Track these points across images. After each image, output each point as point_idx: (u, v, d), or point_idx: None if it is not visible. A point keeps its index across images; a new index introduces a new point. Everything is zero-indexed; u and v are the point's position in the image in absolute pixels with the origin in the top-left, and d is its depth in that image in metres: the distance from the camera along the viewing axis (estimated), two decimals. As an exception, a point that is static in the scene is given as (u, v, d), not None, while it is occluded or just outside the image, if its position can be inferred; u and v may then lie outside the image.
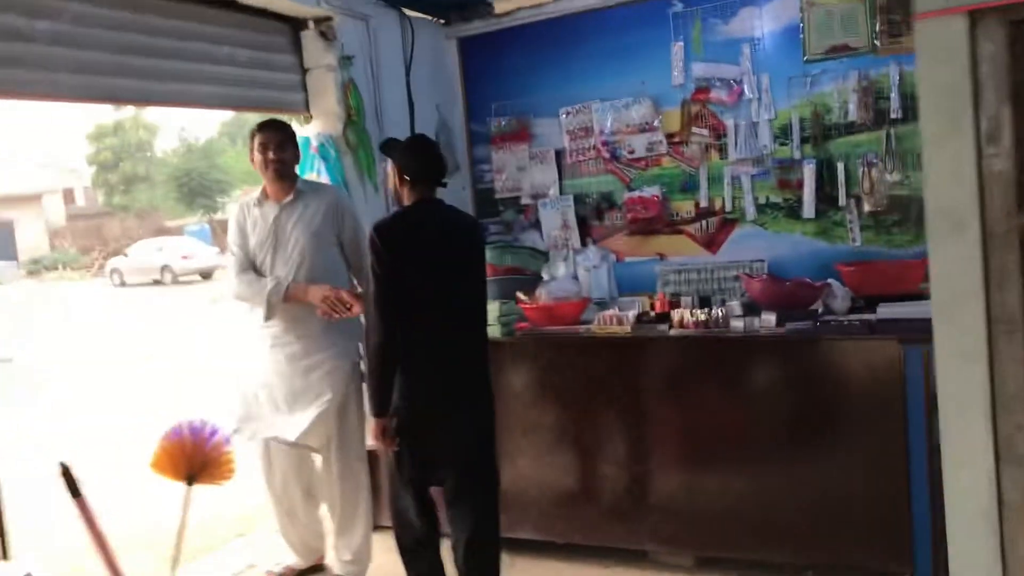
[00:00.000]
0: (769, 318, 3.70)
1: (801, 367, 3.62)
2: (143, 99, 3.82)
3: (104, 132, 39.86)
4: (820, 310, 3.84)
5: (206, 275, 28.19)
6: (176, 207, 39.47)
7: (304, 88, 4.79)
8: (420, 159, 3.37)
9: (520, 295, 4.33)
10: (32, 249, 35.37)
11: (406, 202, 3.37)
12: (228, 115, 32.39)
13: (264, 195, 3.86)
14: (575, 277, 5.20)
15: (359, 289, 3.96)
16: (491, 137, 5.86)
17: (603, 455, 4.00)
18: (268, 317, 3.84)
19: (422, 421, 3.25)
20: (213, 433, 3.00)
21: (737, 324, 3.77)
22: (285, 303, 3.78)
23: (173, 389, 10.40)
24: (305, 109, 4.80)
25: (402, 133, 5.11)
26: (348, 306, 3.76)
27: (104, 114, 39.32)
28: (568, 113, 5.59)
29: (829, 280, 3.94)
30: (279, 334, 3.84)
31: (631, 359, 3.95)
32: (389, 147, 3.62)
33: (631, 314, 4.14)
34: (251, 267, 3.89)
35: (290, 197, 3.81)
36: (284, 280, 3.80)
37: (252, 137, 3.80)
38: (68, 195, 43.26)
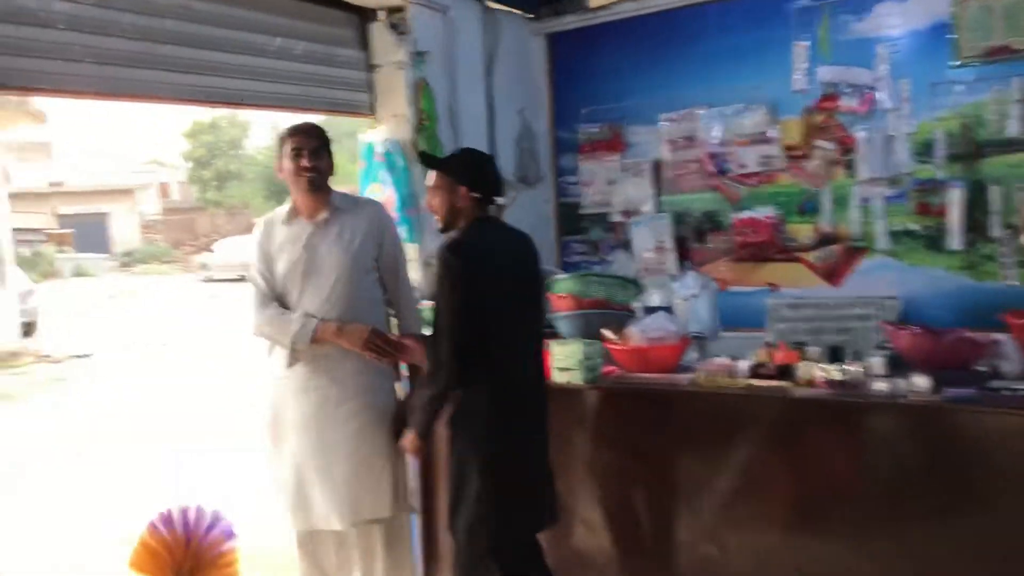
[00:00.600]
0: (922, 381, 2.96)
1: (962, 444, 2.88)
2: (176, 95, 3.31)
3: (200, 129, 40.85)
4: (986, 372, 3.09)
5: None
6: (265, 204, 39.89)
7: (370, 87, 4.24)
8: (491, 174, 3.11)
9: (607, 333, 3.68)
10: (125, 242, 36.18)
11: (462, 223, 3.04)
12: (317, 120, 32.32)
13: (294, 211, 3.26)
14: (670, 310, 4.52)
15: (402, 329, 3.44)
16: (579, 145, 5.25)
17: (705, 534, 3.32)
18: (290, 363, 3.25)
19: (524, 469, 3.04)
20: (212, 526, 2.42)
21: (880, 386, 3.04)
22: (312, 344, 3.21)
23: (243, 391, 10.06)
24: (370, 111, 4.25)
25: (480, 139, 4.55)
26: (397, 348, 3.18)
27: (201, 112, 40.15)
28: (669, 120, 4.93)
29: (997, 336, 3.18)
30: (306, 377, 3.24)
31: (744, 421, 3.25)
32: (444, 161, 3.18)
33: (744, 364, 3.44)
34: (276, 298, 3.29)
35: (325, 214, 3.23)
36: (312, 319, 3.21)
37: (282, 142, 3.17)
38: (163, 190, 44.27)
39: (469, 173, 3.03)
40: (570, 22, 5.20)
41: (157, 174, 43.72)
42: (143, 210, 39.95)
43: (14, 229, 29.78)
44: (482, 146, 4.69)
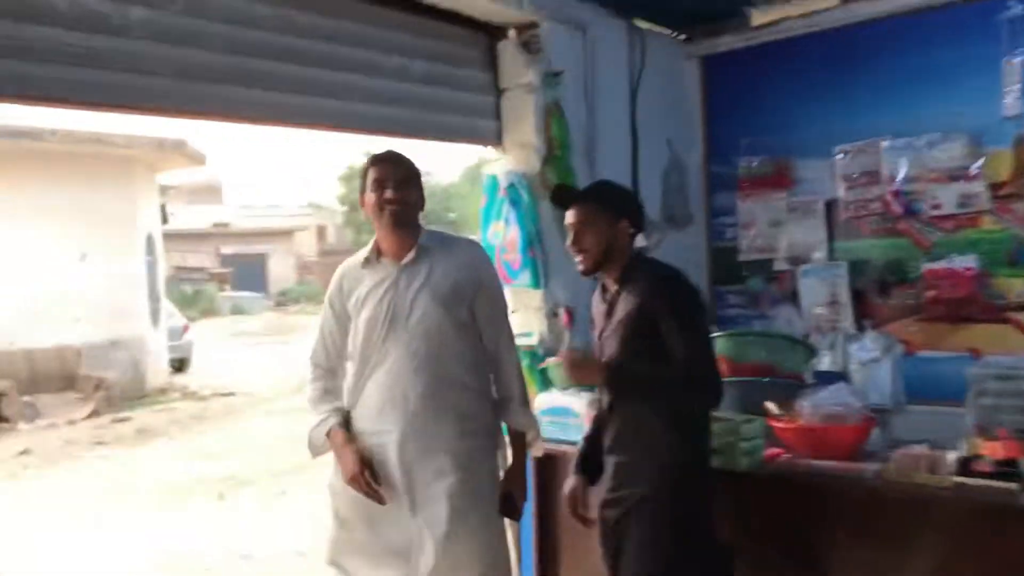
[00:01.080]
0: None
1: None
2: (273, 116, 2.89)
3: (356, 174, 41.89)
4: None
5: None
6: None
7: (497, 113, 3.74)
8: (641, 208, 2.78)
9: (771, 407, 2.98)
10: (281, 282, 37.51)
11: (617, 262, 2.60)
12: (471, 158, 32.83)
13: (376, 252, 2.77)
14: (845, 377, 3.76)
15: (500, 398, 2.84)
16: (738, 182, 4.60)
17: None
18: (313, 454, 2.77)
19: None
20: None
21: None
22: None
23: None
24: (496, 140, 3.75)
25: (621, 173, 3.97)
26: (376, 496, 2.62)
27: (357, 157, 41.45)
28: (846, 153, 4.22)
29: None
30: (369, 416, 2.71)
31: (950, 531, 2.48)
32: (603, 193, 2.70)
33: (951, 457, 2.66)
34: (335, 364, 2.82)
35: (412, 254, 2.72)
36: (330, 419, 2.73)
37: (364, 173, 2.70)
38: (320, 232, 45.88)
39: (628, 206, 2.67)
40: (728, 43, 4.59)
41: (314, 217, 45.35)
42: (300, 251, 41.44)
43: (178, 267, 31.57)
44: (624, 181, 4.09)
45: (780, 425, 2.94)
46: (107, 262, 12.95)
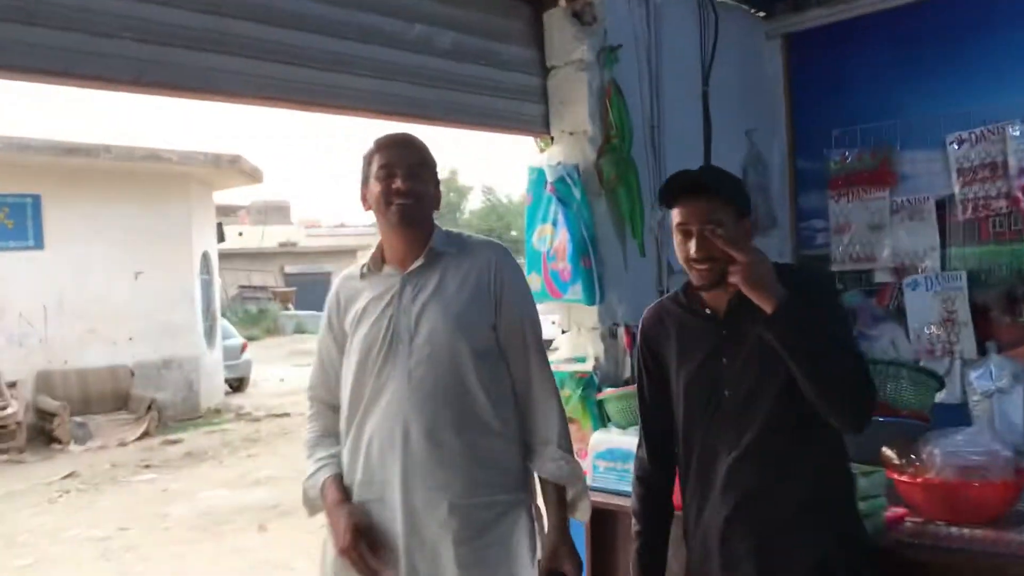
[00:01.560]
0: None
1: None
2: (255, 91, 2.35)
3: (417, 191, 42.11)
4: None
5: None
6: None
7: (543, 96, 3.17)
8: None
9: (888, 454, 2.31)
10: (344, 301, 37.51)
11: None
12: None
13: (379, 258, 2.23)
14: (966, 410, 3.09)
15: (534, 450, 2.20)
16: (829, 179, 3.95)
17: None
18: (310, 511, 2.22)
19: None
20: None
21: None
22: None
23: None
24: (544, 128, 3.17)
25: (692, 163, 3.33)
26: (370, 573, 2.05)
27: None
28: (961, 142, 3.54)
29: None
30: (365, 464, 2.13)
31: None
32: (728, 183, 1.99)
33: None
34: (338, 397, 2.23)
35: (420, 260, 2.17)
36: (324, 470, 2.19)
37: (368, 160, 2.17)
38: (383, 251, 45.89)
39: (749, 201, 2.04)
40: (815, 17, 3.96)
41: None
42: (363, 271, 41.46)
43: (243, 286, 31.72)
44: (694, 177, 3.50)
45: (904, 479, 2.28)
46: (162, 280, 12.75)
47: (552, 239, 3.00)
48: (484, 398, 2.09)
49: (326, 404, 2.26)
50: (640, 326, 2.16)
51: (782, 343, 1.81)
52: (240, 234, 33.14)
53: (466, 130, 2.96)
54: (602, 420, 2.91)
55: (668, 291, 3.32)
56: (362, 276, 2.20)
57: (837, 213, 3.93)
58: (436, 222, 2.22)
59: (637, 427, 2.75)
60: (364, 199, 2.18)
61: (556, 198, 2.98)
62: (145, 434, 11.55)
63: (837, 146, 3.93)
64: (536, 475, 2.17)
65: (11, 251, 11.55)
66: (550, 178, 2.99)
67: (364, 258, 2.24)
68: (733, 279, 1.82)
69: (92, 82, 1.97)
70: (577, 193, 2.99)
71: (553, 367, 2.82)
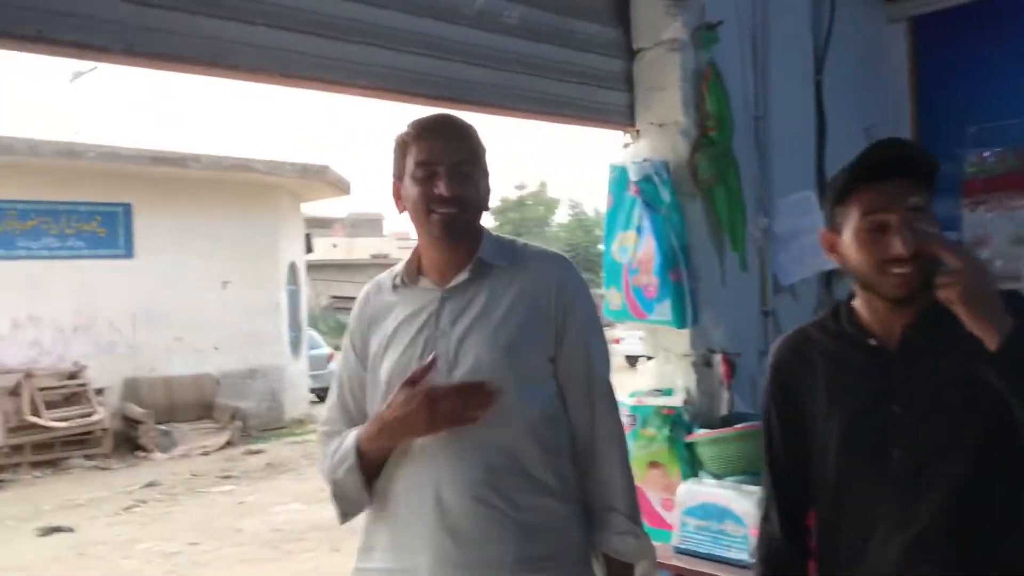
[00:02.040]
0: None
1: None
2: (310, 72, 1.98)
3: (507, 207, 42.05)
4: None
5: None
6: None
7: (629, 83, 2.72)
8: None
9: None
10: (433, 312, 37.67)
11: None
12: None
13: (414, 269, 1.81)
14: None
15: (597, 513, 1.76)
16: (962, 183, 3.37)
17: None
18: (342, 517, 1.79)
19: None
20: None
21: None
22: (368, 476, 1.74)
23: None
24: (628, 119, 2.73)
25: (803, 167, 2.88)
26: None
27: (508, 190, 41.51)
28: None
29: None
30: (388, 534, 1.72)
31: None
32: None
33: None
34: (352, 426, 1.80)
35: (464, 274, 1.75)
36: (351, 434, 1.75)
37: (403, 149, 1.73)
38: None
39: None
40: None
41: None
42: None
43: (335, 297, 32.02)
44: (807, 177, 3.00)
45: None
46: (249, 290, 12.76)
47: (635, 249, 2.55)
48: (538, 450, 1.66)
49: (340, 421, 1.83)
50: (773, 359, 1.68)
51: (1014, 387, 1.30)
52: (334, 246, 33.56)
53: (535, 120, 2.54)
54: (692, 467, 2.44)
55: (774, 312, 2.83)
56: (394, 288, 1.79)
57: (974, 224, 3.35)
58: (487, 227, 1.80)
59: (736, 478, 2.29)
60: (397, 198, 1.76)
61: (641, 200, 2.53)
62: (228, 443, 11.52)
63: (973, 145, 3.36)
64: (597, 548, 1.73)
65: (102, 259, 11.67)
66: (634, 177, 2.54)
67: (398, 265, 1.82)
68: (945, 293, 1.31)
69: (73, 50, 1.63)
70: (666, 195, 2.53)
71: (636, 400, 2.37)
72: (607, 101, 2.67)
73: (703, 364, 2.61)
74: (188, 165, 11.79)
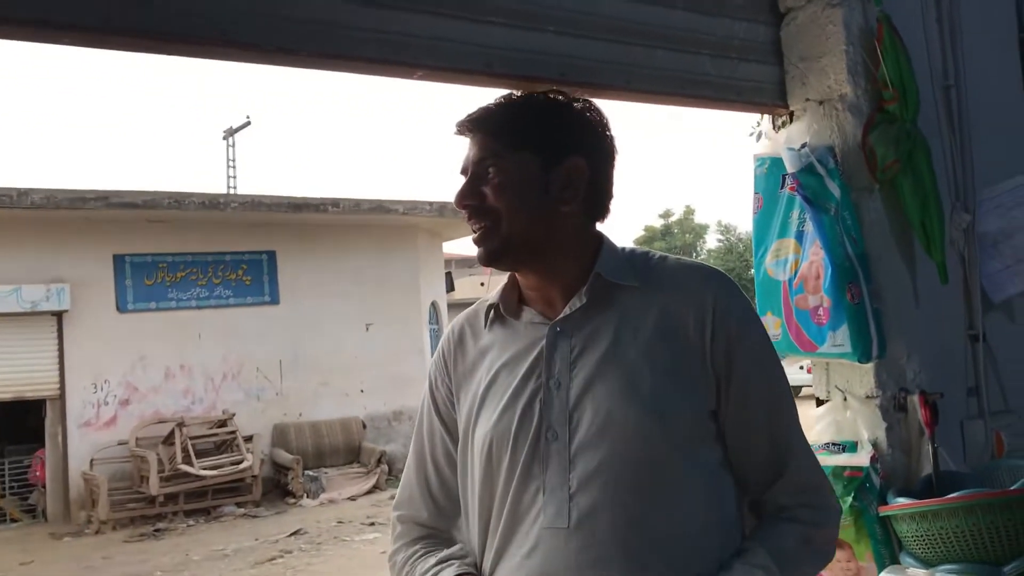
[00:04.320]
0: None
1: None
2: (350, 50, 1.54)
3: (652, 236, 41.26)
4: None
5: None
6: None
7: (776, 53, 2.16)
8: None
9: None
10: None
11: None
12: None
13: (513, 299, 1.36)
14: None
15: None
16: None
17: None
18: None
19: None
20: None
21: None
22: None
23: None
24: (778, 98, 2.16)
25: (1009, 142, 2.22)
26: None
27: (652, 218, 40.87)
28: None
29: None
30: None
31: None
32: None
33: None
34: (446, 515, 1.39)
35: (579, 300, 1.29)
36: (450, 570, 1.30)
37: None
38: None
39: None
40: None
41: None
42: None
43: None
44: (1018, 160, 2.32)
45: None
46: (391, 331, 12.71)
47: (797, 261, 1.96)
48: (704, 542, 1.22)
49: (424, 527, 1.41)
50: None
51: None
52: (482, 284, 33.74)
53: (661, 103, 2.01)
54: (889, 548, 1.81)
55: (985, 336, 2.16)
56: (488, 325, 1.37)
57: None
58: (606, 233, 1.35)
59: (952, 567, 1.66)
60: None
61: (802, 199, 1.95)
62: (375, 487, 11.37)
63: None
64: None
65: (249, 307, 11.85)
66: (791, 168, 1.96)
67: (492, 294, 1.39)
68: None
69: (31, 30, 1.25)
70: (835, 189, 1.94)
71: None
72: (750, 77, 2.11)
73: (895, 409, 1.98)
74: (328, 210, 11.85)
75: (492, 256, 1.28)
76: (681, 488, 1.21)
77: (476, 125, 1.31)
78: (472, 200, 1.27)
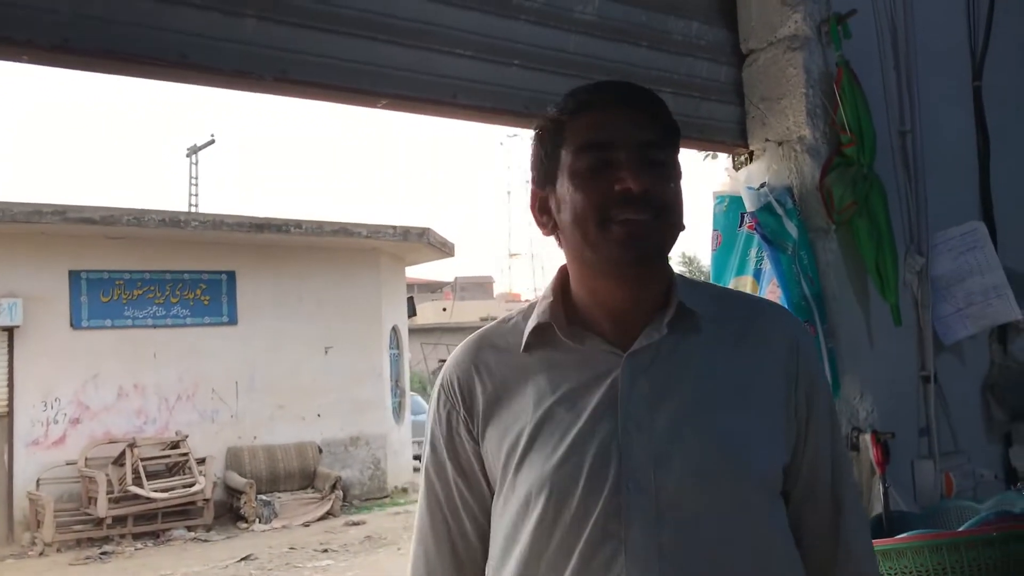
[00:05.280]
0: None
1: None
2: (320, 78, 1.53)
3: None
4: None
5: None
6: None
7: (738, 93, 2.19)
8: None
9: None
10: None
11: None
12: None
13: (562, 316, 1.18)
14: None
15: None
16: None
17: None
18: None
19: None
20: None
21: None
22: None
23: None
24: (738, 137, 2.19)
25: (963, 187, 2.27)
26: None
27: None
28: None
29: None
30: None
31: None
32: None
33: None
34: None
35: (660, 329, 1.14)
36: None
37: (554, 138, 1.15)
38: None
39: None
40: None
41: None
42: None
43: (442, 361, 32.02)
44: (969, 205, 2.37)
45: None
46: (351, 355, 12.57)
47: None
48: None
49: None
50: None
51: None
52: (443, 309, 33.66)
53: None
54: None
55: (936, 376, 2.20)
56: (527, 347, 1.19)
57: None
58: None
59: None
60: (540, 211, 1.20)
61: (760, 237, 1.97)
62: (328, 514, 11.20)
63: None
64: None
65: (206, 327, 11.68)
66: (750, 207, 1.99)
67: (516, 315, 1.25)
68: None
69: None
70: (793, 229, 1.96)
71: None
72: (711, 116, 2.14)
73: (848, 448, 2.00)
74: (290, 231, 11.76)
75: (660, 253, 1.14)
76: (771, 547, 1.13)
77: (658, 106, 1.15)
78: (658, 188, 1.10)
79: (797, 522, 1.18)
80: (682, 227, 1.15)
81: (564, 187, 1.13)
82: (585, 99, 1.14)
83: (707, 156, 2.19)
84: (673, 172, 1.14)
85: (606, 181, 1.09)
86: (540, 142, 1.18)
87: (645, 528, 1.06)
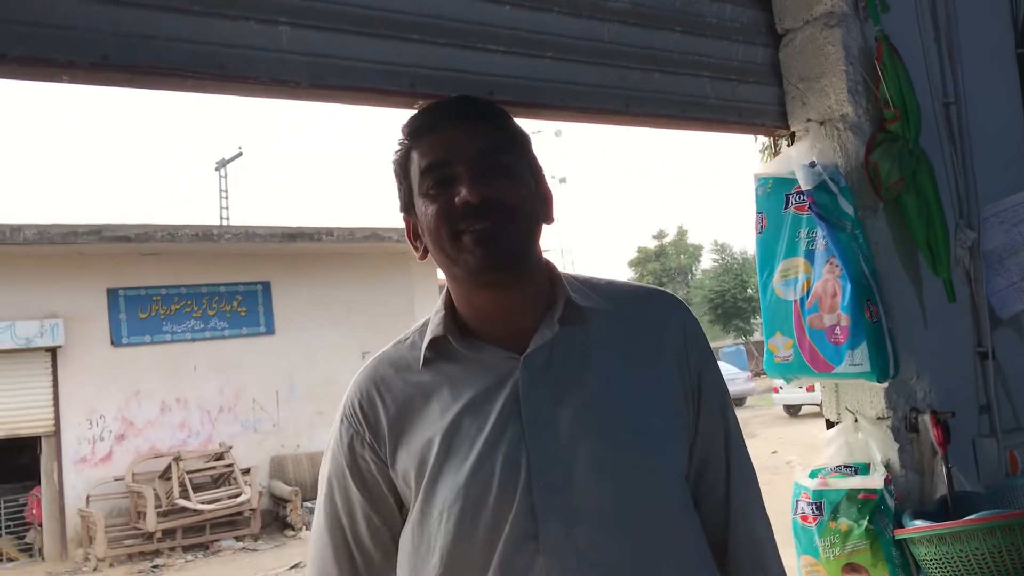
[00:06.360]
0: None
1: None
2: (331, 80, 1.52)
3: (646, 257, 41.24)
4: None
5: (738, 402, 26.07)
6: (711, 329, 38.33)
7: (775, 74, 2.15)
8: None
9: None
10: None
11: None
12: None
13: (456, 330, 1.21)
14: None
15: None
16: None
17: None
18: None
19: None
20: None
21: None
22: None
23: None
24: (778, 119, 2.15)
25: (1010, 158, 2.23)
26: None
27: (646, 239, 41.07)
28: None
29: None
30: None
31: None
32: None
33: None
34: None
35: (550, 329, 1.17)
36: None
37: (404, 166, 1.22)
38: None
39: None
40: None
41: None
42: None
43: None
44: (1019, 176, 2.32)
45: None
46: (387, 359, 12.62)
47: (808, 280, 1.95)
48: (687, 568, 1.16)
49: None
50: None
51: None
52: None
53: (659, 127, 2.00)
54: (907, 571, 1.78)
55: (993, 352, 2.15)
56: (426, 363, 1.21)
57: None
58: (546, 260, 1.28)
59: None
60: (414, 237, 1.25)
61: (816, 216, 1.93)
62: (373, 520, 11.29)
63: None
64: None
65: (244, 338, 11.80)
66: (805, 185, 1.94)
67: (410, 334, 1.29)
68: None
69: (26, 68, 1.24)
70: (848, 207, 1.92)
71: (819, 482, 1.80)
72: (750, 99, 2.10)
73: (907, 429, 1.95)
74: (322, 239, 11.85)
75: (516, 254, 1.15)
76: (683, 532, 1.17)
77: (496, 113, 1.22)
78: (489, 191, 1.12)
79: (695, 491, 1.22)
80: (544, 222, 1.22)
81: (420, 210, 1.18)
82: (424, 122, 1.21)
83: (774, 152, 2.16)
84: (523, 172, 1.19)
85: (450, 196, 1.13)
86: (398, 172, 1.24)
87: (560, 525, 1.09)
